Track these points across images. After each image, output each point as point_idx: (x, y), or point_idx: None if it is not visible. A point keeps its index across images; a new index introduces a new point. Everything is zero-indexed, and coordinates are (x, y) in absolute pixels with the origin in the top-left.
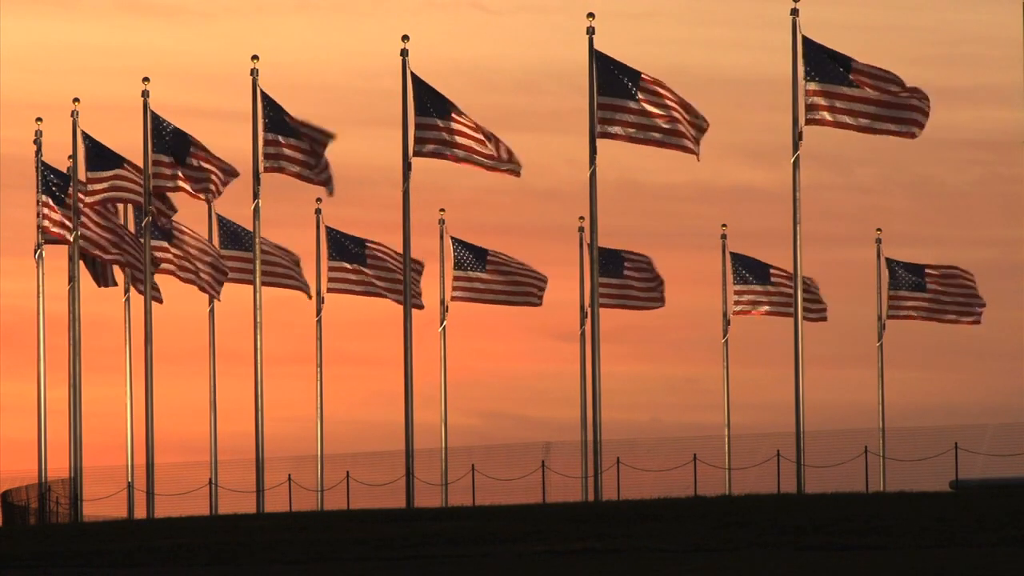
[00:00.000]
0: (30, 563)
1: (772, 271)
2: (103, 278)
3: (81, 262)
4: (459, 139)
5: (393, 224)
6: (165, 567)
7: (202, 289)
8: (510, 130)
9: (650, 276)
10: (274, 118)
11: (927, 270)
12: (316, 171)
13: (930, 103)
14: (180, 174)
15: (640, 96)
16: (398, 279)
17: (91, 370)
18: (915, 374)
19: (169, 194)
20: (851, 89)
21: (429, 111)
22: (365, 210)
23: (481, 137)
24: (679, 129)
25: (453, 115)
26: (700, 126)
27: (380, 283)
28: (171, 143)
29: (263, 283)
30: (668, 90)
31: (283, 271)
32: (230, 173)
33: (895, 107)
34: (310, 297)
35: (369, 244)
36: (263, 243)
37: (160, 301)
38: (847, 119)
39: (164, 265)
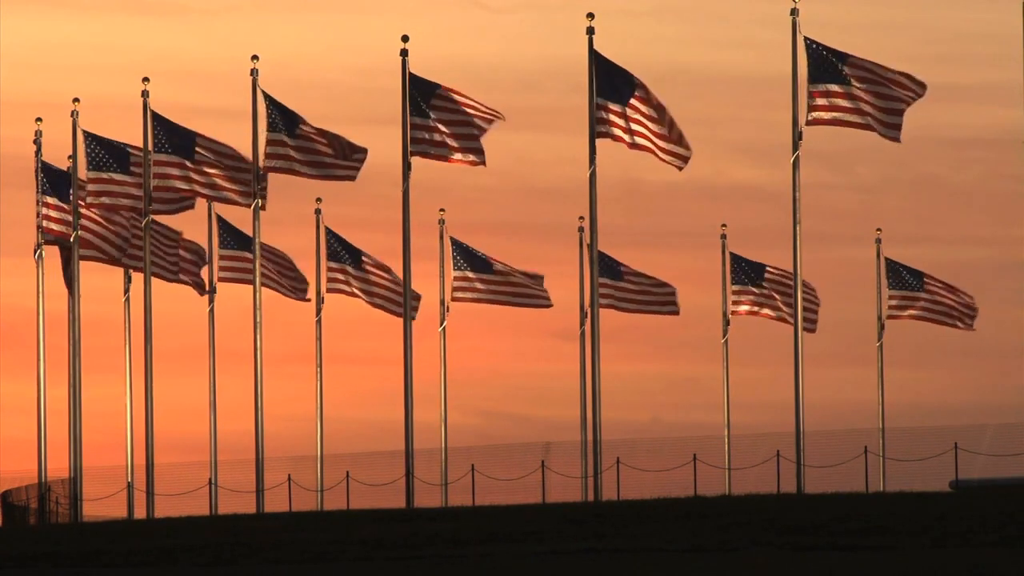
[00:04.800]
0: (30, 563)
1: (767, 272)
2: (71, 285)
3: (86, 260)
4: (437, 137)
5: (393, 224)
6: (165, 567)
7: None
8: (510, 129)
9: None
10: (277, 118)
11: (926, 278)
12: (333, 169)
13: (923, 88)
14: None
15: (631, 103)
16: (393, 296)
17: (91, 370)
18: (915, 374)
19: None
20: (849, 87)
21: (424, 112)
22: (365, 209)
23: (453, 138)
24: (668, 141)
25: (434, 114)
26: (683, 145)
27: (376, 295)
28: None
29: (264, 285)
30: (654, 103)
31: (283, 273)
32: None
33: (890, 104)
34: (308, 300)
35: (365, 261)
36: (265, 248)
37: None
38: (846, 117)
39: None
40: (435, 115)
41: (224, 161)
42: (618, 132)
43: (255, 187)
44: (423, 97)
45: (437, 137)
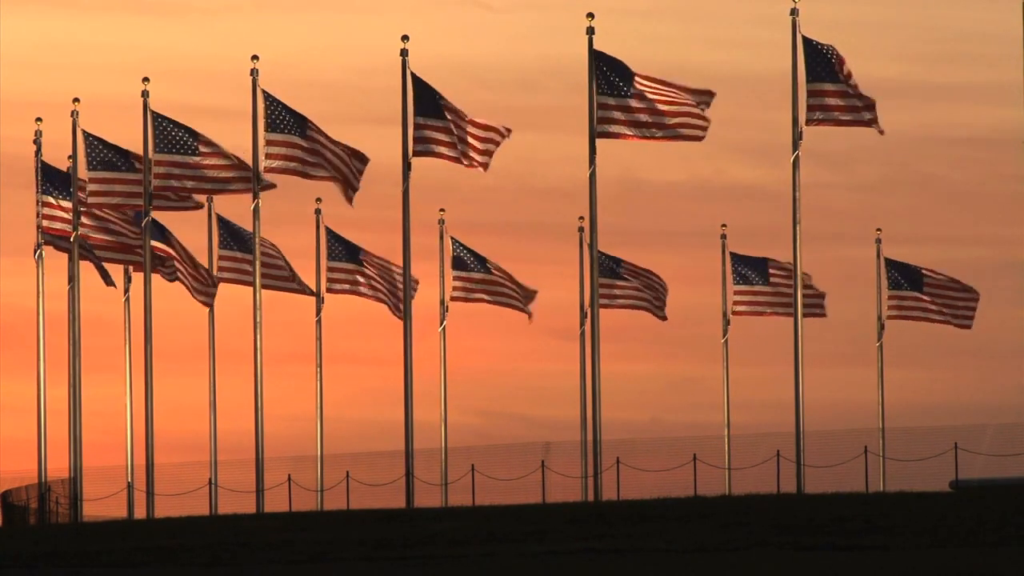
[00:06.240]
0: (30, 563)
1: (771, 268)
2: (107, 276)
3: (87, 261)
4: (451, 139)
5: (393, 223)
6: (165, 567)
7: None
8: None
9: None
10: (280, 118)
11: (924, 272)
12: (334, 174)
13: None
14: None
15: (635, 93)
16: (395, 289)
17: (91, 370)
18: (915, 374)
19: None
20: (845, 86)
21: (427, 111)
22: (365, 209)
23: (478, 135)
24: (677, 121)
25: (447, 115)
26: (703, 104)
27: (378, 290)
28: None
29: (264, 286)
30: (663, 83)
31: (284, 273)
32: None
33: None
34: (314, 294)
35: (364, 256)
36: (264, 244)
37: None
38: (844, 116)
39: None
40: (450, 116)
41: (226, 153)
42: (622, 128)
43: (255, 188)
44: (431, 99)
45: (448, 138)
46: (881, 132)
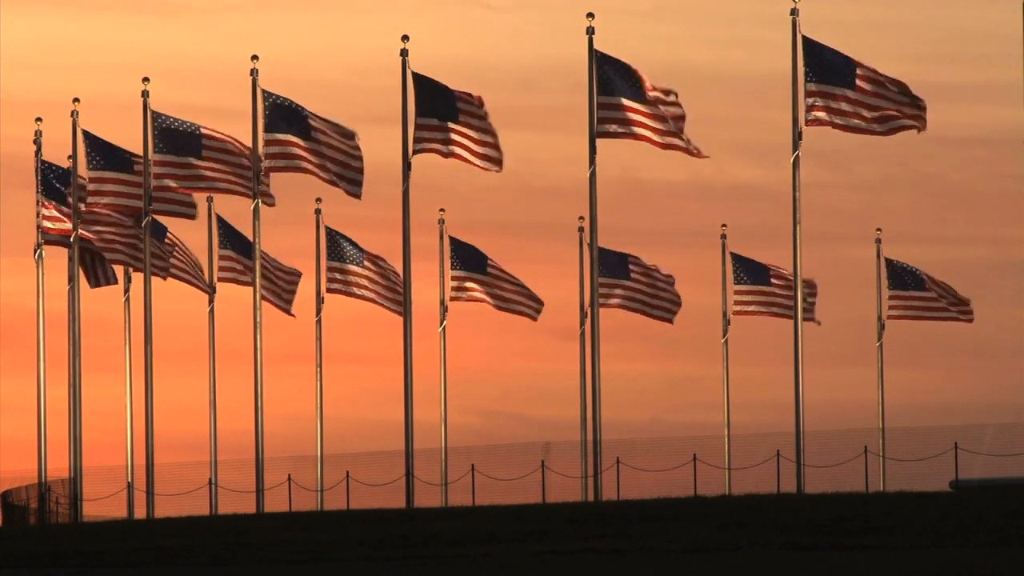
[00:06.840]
0: (30, 563)
1: (771, 273)
2: (95, 278)
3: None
4: (457, 138)
5: (393, 223)
6: (165, 567)
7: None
8: (510, 128)
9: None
10: (281, 117)
11: (925, 275)
12: (336, 175)
13: (925, 106)
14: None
15: (633, 95)
16: (395, 289)
17: (91, 370)
18: (915, 374)
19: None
20: (851, 91)
21: (430, 111)
22: (365, 209)
23: (477, 139)
24: (672, 130)
25: (453, 119)
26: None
27: (378, 291)
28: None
29: (264, 297)
30: (651, 88)
31: (280, 288)
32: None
33: (893, 103)
34: (292, 314)
35: (368, 258)
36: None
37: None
38: (845, 120)
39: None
40: (462, 118)
41: (228, 157)
42: (622, 129)
43: (255, 188)
44: (444, 100)
45: (454, 136)
46: (920, 130)
